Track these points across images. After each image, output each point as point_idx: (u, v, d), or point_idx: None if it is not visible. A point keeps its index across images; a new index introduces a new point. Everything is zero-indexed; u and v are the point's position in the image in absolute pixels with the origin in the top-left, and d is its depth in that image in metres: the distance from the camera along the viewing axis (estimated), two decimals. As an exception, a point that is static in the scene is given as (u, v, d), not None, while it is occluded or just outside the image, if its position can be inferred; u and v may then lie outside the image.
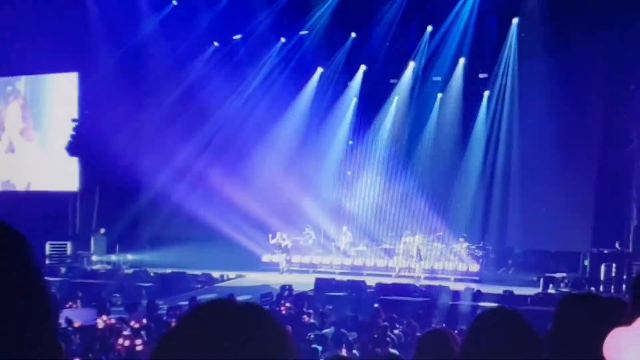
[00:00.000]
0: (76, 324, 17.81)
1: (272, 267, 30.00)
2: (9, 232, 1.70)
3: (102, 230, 32.34)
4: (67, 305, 21.27)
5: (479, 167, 29.99)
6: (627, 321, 3.06)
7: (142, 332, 17.69)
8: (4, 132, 36.33)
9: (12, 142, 36.14)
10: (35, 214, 29.90)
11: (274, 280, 26.93)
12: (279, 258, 30.06)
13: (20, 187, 35.64)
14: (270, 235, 30.02)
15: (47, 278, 1.85)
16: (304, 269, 29.88)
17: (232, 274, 28.61)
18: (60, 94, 34.54)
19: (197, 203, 30.39)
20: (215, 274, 28.18)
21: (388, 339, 16.86)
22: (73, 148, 33.58)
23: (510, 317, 3.57)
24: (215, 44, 32.50)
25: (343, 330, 17.67)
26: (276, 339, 1.78)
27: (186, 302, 21.63)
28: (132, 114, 31.38)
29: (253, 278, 28.17)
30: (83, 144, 32.88)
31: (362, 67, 31.90)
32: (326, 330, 17.78)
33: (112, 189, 32.13)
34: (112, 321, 19.17)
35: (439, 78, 31.03)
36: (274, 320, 1.81)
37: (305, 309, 21.20)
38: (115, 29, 31.63)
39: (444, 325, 16.98)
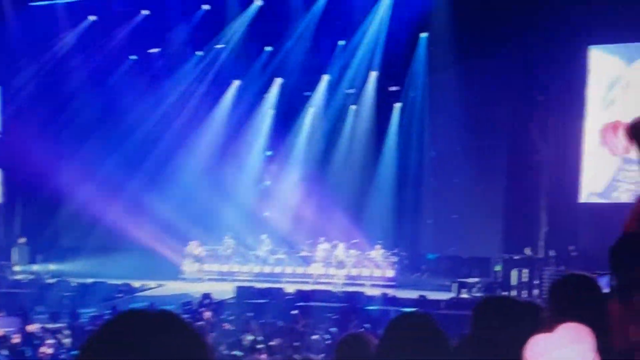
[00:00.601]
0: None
1: (192, 276, 29.65)
2: None
3: (23, 240, 31.88)
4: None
5: (392, 176, 30.00)
6: (547, 327, 3.04)
7: (66, 341, 17.67)
8: None
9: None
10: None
11: (194, 288, 26.73)
12: (191, 267, 29.78)
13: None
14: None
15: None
16: (224, 277, 29.50)
17: (152, 283, 28.29)
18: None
19: (116, 213, 29.95)
20: (136, 284, 27.89)
21: (307, 344, 16.84)
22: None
23: (421, 320, 3.66)
24: (132, 57, 32.06)
25: (259, 337, 17.64)
26: (190, 342, 1.77)
27: (108, 311, 21.46)
28: (52, 126, 31.07)
29: (173, 287, 27.93)
30: (5, 156, 32.57)
31: (278, 80, 31.75)
32: (246, 337, 17.76)
33: (34, 200, 31.93)
34: (36, 329, 19.07)
35: (352, 91, 31.07)
36: (186, 324, 1.82)
37: (225, 317, 21.22)
38: (35, 44, 31.35)
39: (362, 329, 16.99)
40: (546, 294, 4.19)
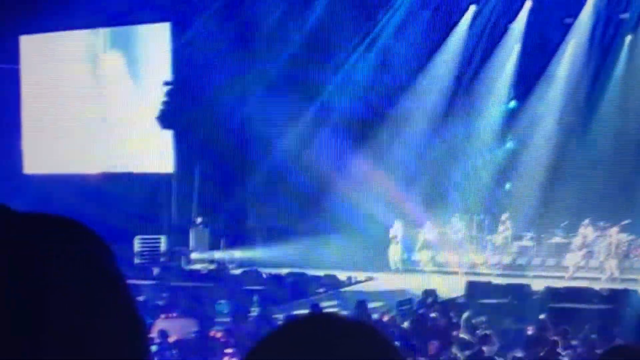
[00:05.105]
0: (172, 338, 18.99)
1: (412, 267, 30.53)
2: (81, 235, 1.46)
3: (200, 220, 33.23)
4: (163, 316, 22.51)
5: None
6: None
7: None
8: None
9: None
10: (121, 202, 31.22)
11: (413, 283, 27.66)
12: (406, 255, 30.55)
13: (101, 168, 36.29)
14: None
15: (135, 281, 2.34)
16: (451, 269, 30.04)
17: (361, 276, 29.18)
18: (150, 51, 35.15)
19: (322, 183, 31.17)
20: (342, 276, 28.80)
21: (559, 357, 17.53)
22: (166, 118, 34.36)
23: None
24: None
25: (497, 348, 18.35)
26: None
27: (306, 311, 22.69)
28: (239, 73, 32.33)
29: (387, 281, 28.64)
30: (178, 113, 33.84)
31: (528, 4, 31.67)
32: (485, 349, 18.45)
33: (215, 168, 33.03)
34: (219, 335, 20.33)
35: (626, 15, 30.69)
36: (389, 345, 1.73)
37: (456, 321, 21.86)
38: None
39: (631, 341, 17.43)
40: None
